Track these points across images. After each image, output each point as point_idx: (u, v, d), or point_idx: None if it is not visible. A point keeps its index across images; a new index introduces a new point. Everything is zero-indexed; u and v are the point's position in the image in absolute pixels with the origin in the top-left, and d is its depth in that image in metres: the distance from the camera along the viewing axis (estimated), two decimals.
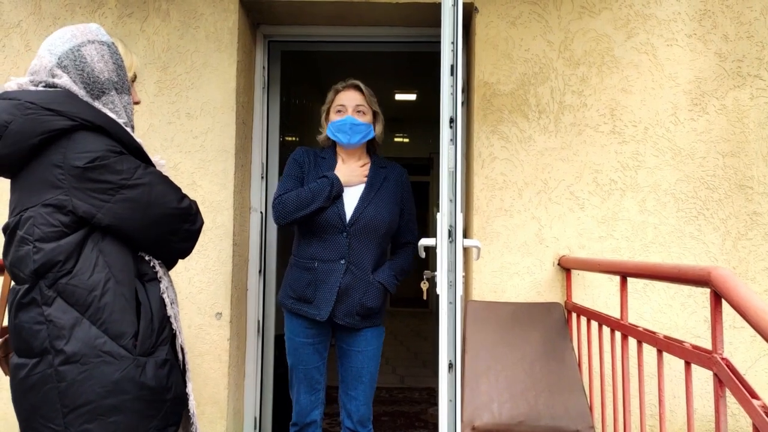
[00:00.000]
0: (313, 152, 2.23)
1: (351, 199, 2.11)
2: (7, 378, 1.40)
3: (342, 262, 2.05)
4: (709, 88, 2.49)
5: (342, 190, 2.10)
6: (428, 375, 4.96)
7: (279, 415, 2.93)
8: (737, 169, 2.46)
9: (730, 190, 2.45)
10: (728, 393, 1.34)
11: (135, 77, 1.50)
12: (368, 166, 2.18)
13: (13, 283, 1.34)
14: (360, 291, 2.06)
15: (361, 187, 2.14)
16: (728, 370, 1.32)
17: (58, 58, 1.33)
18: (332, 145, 2.22)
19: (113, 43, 1.41)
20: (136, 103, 1.49)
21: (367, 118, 2.15)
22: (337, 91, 2.19)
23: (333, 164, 2.17)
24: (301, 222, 2.09)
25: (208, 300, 2.50)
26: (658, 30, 2.51)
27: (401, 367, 5.24)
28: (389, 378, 4.83)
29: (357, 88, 2.16)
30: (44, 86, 1.33)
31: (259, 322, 2.83)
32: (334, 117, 2.16)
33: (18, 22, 2.58)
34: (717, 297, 1.39)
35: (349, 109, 2.13)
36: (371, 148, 2.25)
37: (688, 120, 2.48)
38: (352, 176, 2.13)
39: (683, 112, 2.49)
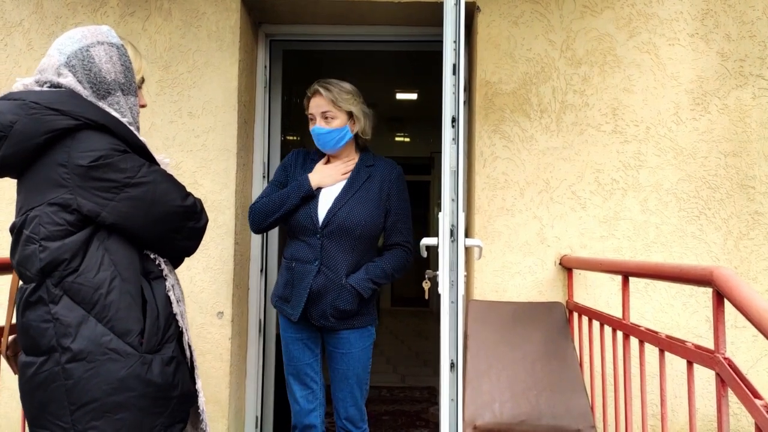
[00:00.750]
0: (305, 153, 2.22)
1: (326, 200, 2.08)
2: (10, 377, 1.40)
3: (315, 264, 2.03)
4: (711, 87, 2.48)
5: (311, 191, 2.06)
6: (429, 374, 4.96)
7: (280, 414, 2.93)
8: (739, 169, 2.45)
9: (731, 189, 2.45)
10: (730, 393, 1.34)
11: (143, 81, 1.51)
12: (351, 164, 2.14)
13: (21, 282, 1.35)
14: (332, 294, 2.03)
15: (339, 189, 2.10)
16: (730, 370, 1.32)
17: (67, 57, 1.35)
18: None
19: (122, 45, 1.42)
20: (143, 106, 1.50)
21: (338, 122, 2.08)
22: (308, 98, 2.14)
23: None
24: (276, 226, 2.12)
25: (210, 299, 2.50)
26: (660, 29, 2.51)
27: (402, 366, 5.24)
28: (390, 377, 4.83)
29: (319, 93, 2.09)
30: (49, 86, 1.34)
31: (260, 321, 2.83)
32: (310, 125, 2.13)
33: (20, 21, 2.59)
34: (719, 297, 1.39)
35: (316, 116, 2.09)
36: (360, 145, 2.20)
37: (690, 119, 2.48)
38: (327, 177, 2.10)
39: (685, 111, 2.48)
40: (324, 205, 2.07)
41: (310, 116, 2.13)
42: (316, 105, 2.09)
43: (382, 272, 2.08)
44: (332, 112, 2.08)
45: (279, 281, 2.16)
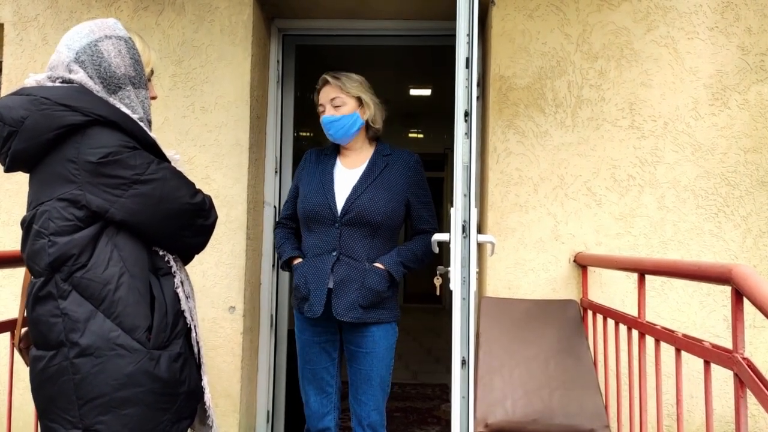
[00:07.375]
0: (317, 152, 2.19)
1: (344, 188, 2.03)
2: (25, 369, 1.41)
3: (333, 254, 1.97)
4: (731, 82, 2.43)
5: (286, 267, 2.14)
6: (441, 371, 4.95)
7: (291, 409, 2.94)
8: (759, 165, 2.40)
9: (751, 186, 2.40)
10: (748, 394, 1.31)
11: (152, 73, 1.50)
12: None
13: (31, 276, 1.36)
14: (358, 280, 1.95)
15: (357, 177, 2.05)
16: (749, 371, 1.29)
17: (76, 53, 1.35)
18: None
19: (130, 38, 1.42)
20: (153, 98, 1.49)
21: (347, 108, 2.04)
22: (317, 91, 2.11)
23: (333, 161, 2.12)
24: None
25: (222, 294, 2.51)
26: (679, 23, 2.46)
27: (414, 363, 5.24)
28: (402, 373, 4.82)
29: (327, 81, 2.07)
30: (61, 82, 1.34)
31: (272, 316, 2.83)
32: (321, 116, 2.10)
33: (35, 16, 2.60)
34: (738, 295, 1.36)
35: (326, 105, 2.06)
36: (371, 137, 2.14)
37: (709, 115, 2.43)
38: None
39: (704, 106, 2.44)
40: (342, 193, 2.02)
41: (320, 108, 2.09)
42: (325, 94, 2.07)
43: (413, 255, 2.05)
44: (341, 98, 2.04)
45: (295, 280, 2.05)
